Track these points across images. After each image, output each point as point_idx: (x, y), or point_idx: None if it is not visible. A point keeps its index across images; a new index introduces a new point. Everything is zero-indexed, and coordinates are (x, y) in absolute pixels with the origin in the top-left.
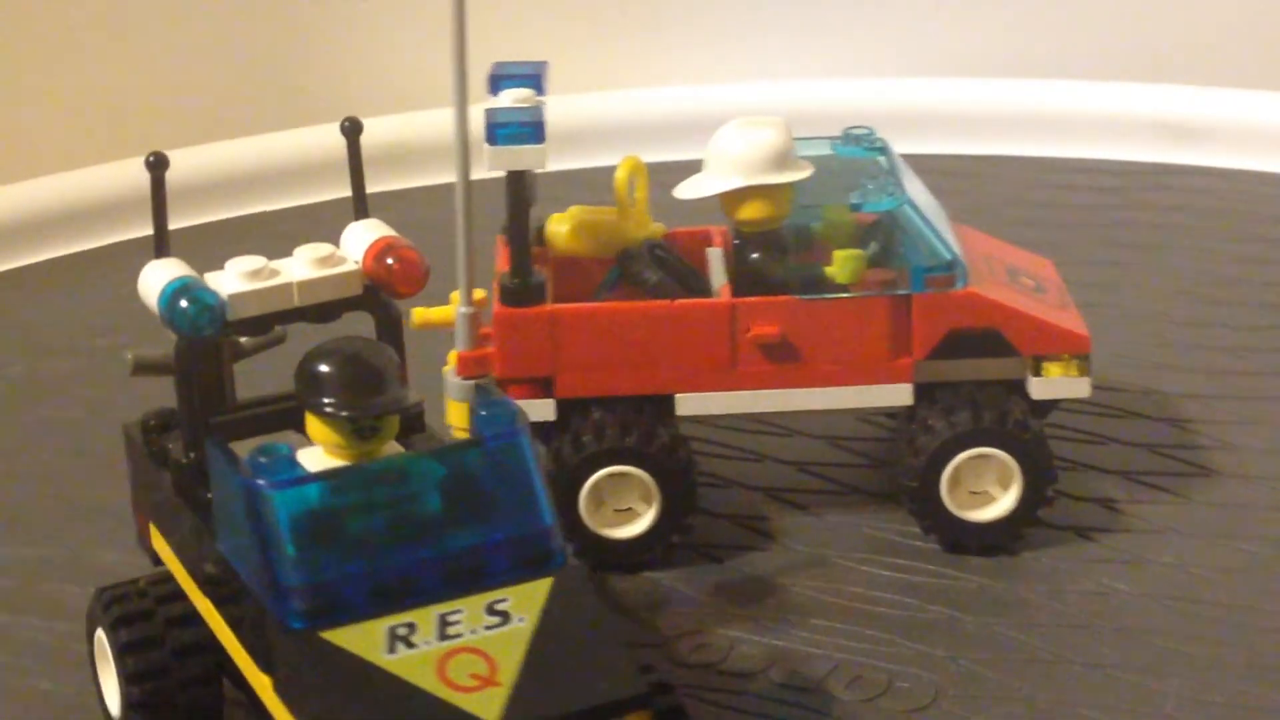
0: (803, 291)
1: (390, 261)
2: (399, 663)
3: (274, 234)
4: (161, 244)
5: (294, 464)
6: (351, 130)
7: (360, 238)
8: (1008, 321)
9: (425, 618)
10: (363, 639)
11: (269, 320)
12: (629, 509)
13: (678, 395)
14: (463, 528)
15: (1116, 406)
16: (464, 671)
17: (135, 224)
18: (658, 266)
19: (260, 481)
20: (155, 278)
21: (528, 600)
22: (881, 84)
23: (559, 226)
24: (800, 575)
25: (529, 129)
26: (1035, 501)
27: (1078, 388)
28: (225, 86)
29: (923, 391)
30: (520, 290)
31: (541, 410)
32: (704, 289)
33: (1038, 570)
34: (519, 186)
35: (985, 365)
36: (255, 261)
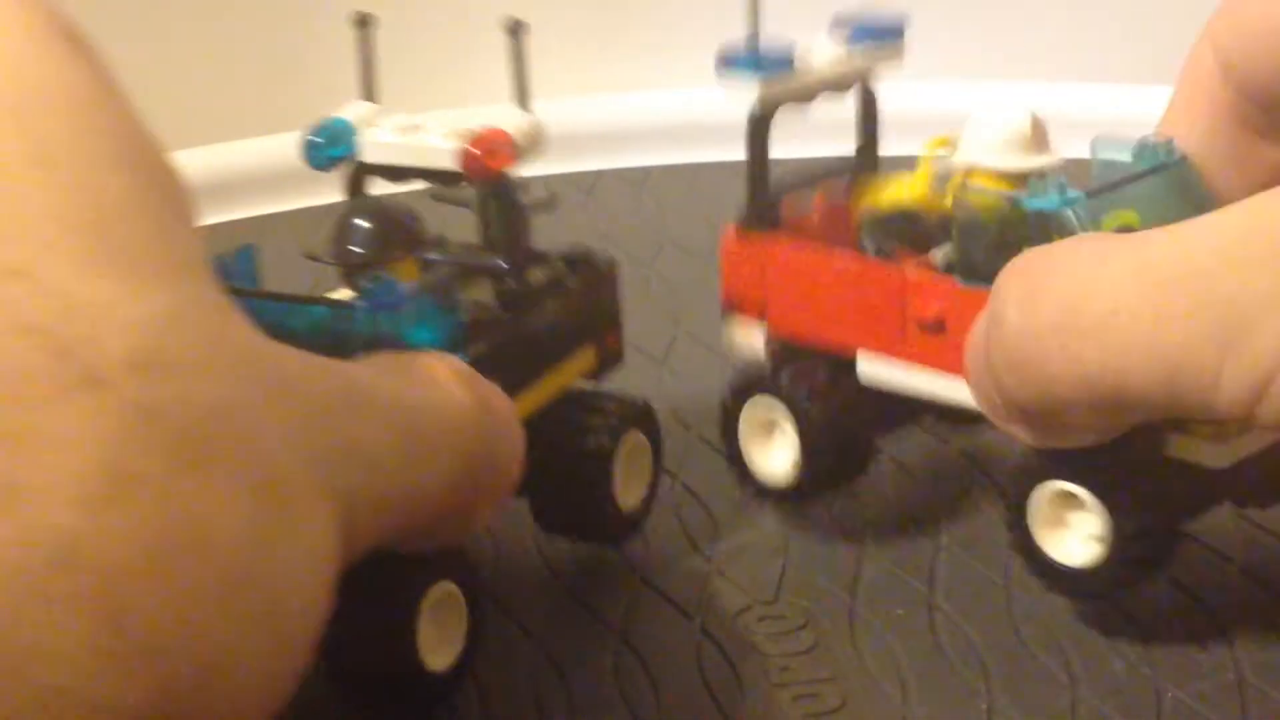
0: (972, 277)
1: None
2: None
3: (274, 238)
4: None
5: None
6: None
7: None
8: None
9: None
10: None
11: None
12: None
13: (859, 358)
14: None
15: None
16: None
17: None
18: (885, 238)
19: None
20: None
21: None
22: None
23: (862, 182)
24: None
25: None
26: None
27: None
28: (224, 89)
29: None
30: (752, 218)
31: (754, 339)
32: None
33: None
34: (757, 123)
35: None
36: (406, 120)
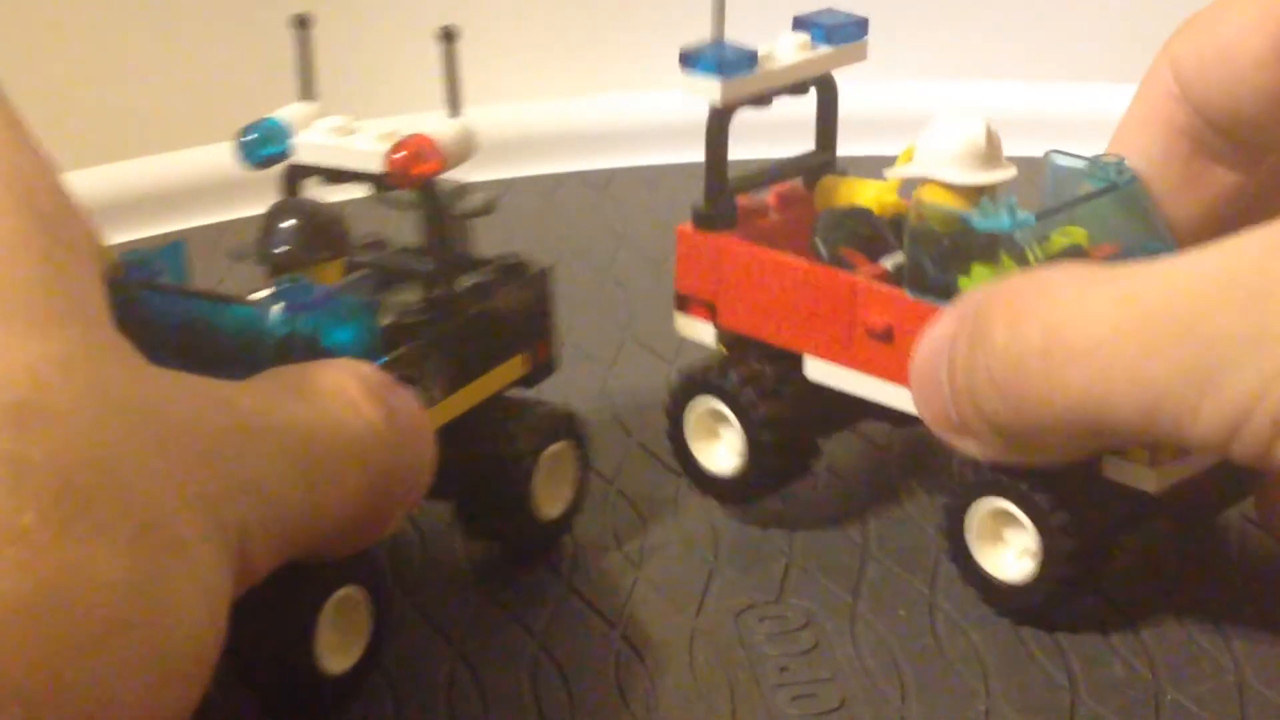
0: (921, 290)
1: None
2: None
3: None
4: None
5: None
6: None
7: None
8: None
9: None
10: None
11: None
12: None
13: (806, 358)
14: (195, 360)
15: None
16: None
17: (135, 225)
18: (837, 241)
19: None
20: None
21: None
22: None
23: (827, 183)
24: None
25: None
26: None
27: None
28: (219, 89)
29: None
30: (707, 216)
31: (703, 334)
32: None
33: None
34: (716, 122)
35: None
36: (342, 122)
